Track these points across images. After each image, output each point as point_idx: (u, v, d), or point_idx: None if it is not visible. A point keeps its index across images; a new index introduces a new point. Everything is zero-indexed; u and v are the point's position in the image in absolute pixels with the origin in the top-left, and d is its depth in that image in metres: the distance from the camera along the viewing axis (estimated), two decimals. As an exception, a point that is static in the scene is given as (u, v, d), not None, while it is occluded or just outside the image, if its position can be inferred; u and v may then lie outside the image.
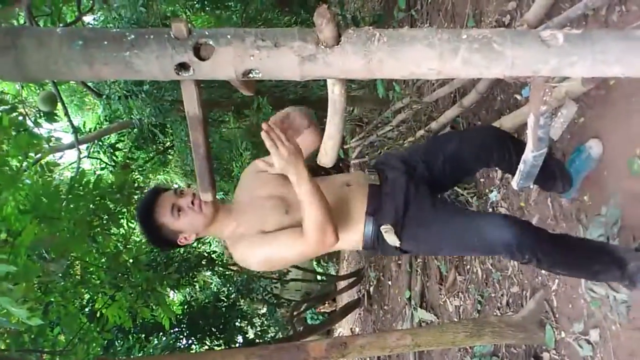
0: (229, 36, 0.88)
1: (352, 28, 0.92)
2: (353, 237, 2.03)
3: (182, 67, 0.88)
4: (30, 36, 0.84)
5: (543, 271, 2.73)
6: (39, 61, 0.84)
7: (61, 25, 4.57)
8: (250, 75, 0.90)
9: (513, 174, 1.65)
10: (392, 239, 1.95)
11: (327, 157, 1.52)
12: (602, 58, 1.06)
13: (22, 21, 4.54)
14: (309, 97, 5.04)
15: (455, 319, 4.00)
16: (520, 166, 1.42)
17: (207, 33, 0.88)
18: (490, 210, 3.49)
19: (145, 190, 2.11)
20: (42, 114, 4.44)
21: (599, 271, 1.98)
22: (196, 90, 0.98)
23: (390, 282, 6.32)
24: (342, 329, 10.21)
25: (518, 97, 3.12)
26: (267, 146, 1.67)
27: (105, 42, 0.85)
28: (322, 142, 1.47)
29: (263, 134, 1.67)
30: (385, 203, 2.00)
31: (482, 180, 3.67)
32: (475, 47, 1.01)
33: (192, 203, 1.92)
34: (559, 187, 2.37)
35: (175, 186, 2.07)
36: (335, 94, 1.10)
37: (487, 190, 3.57)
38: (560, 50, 1.05)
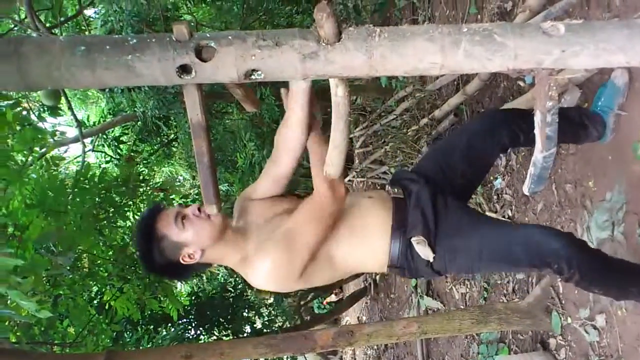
0: (230, 37, 0.89)
1: (353, 26, 0.92)
2: (377, 255, 1.86)
3: (184, 70, 0.88)
4: (33, 43, 0.85)
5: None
6: (41, 68, 0.84)
7: (62, 19, 4.56)
8: (253, 76, 0.90)
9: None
10: (424, 252, 1.78)
11: (333, 168, 1.45)
12: (604, 47, 1.06)
13: (22, 16, 4.54)
14: (312, 87, 5.02)
15: (462, 306, 4.01)
16: (531, 169, 1.32)
17: (208, 35, 0.88)
18: (496, 197, 3.49)
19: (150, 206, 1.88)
20: (45, 108, 4.45)
21: (633, 292, 1.87)
22: (199, 96, 0.97)
23: (397, 271, 6.33)
24: (349, 317, 10.27)
25: (521, 83, 3.10)
26: None
27: (107, 47, 0.86)
28: (328, 152, 1.40)
29: None
30: (413, 215, 1.83)
31: (486, 167, 3.66)
32: (476, 40, 1.01)
33: (199, 210, 1.72)
34: (592, 133, 2.18)
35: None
36: (338, 96, 1.08)
37: (491, 178, 3.57)
38: (562, 41, 1.05)
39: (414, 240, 1.78)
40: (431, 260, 1.80)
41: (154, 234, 1.72)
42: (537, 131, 1.19)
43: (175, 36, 0.87)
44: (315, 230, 1.71)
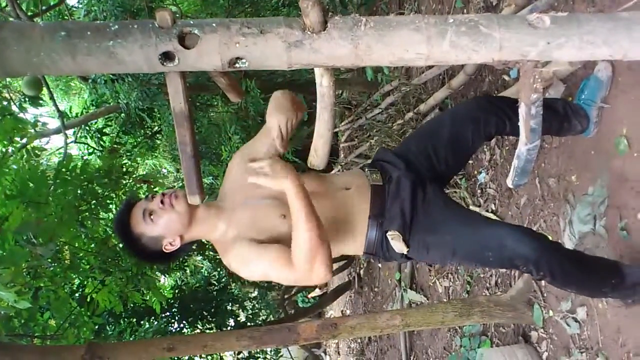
0: (214, 24, 0.87)
1: (339, 15, 0.91)
2: (353, 243, 1.87)
3: (167, 57, 0.86)
4: (12, 28, 0.83)
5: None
6: (20, 54, 0.82)
7: (44, 7, 4.49)
8: (237, 65, 0.89)
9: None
10: (399, 246, 1.81)
11: (317, 159, 1.45)
12: (589, 39, 1.07)
13: (3, 4, 4.46)
14: (297, 80, 5.01)
15: (445, 300, 4.03)
16: (515, 162, 1.33)
17: (191, 22, 0.87)
18: (479, 191, 3.51)
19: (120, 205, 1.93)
20: (27, 99, 4.38)
21: (606, 292, 1.92)
22: (182, 84, 0.95)
23: (380, 265, 6.36)
24: (333, 311, 10.30)
25: (506, 77, 3.12)
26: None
27: (89, 33, 0.84)
28: (313, 142, 1.40)
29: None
30: (391, 206, 1.84)
31: (470, 161, 3.68)
32: (462, 30, 1.01)
33: (162, 202, 1.74)
34: (576, 126, 2.18)
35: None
36: (323, 87, 1.07)
37: (475, 172, 3.59)
38: (548, 33, 1.05)
39: (389, 235, 1.81)
40: (405, 253, 1.84)
41: (131, 234, 1.77)
42: (521, 124, 1.20)
43: (158, 22, 0.85)
44: (282, 282, 1.77)
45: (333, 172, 6.37)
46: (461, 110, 2.09)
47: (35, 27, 0.84)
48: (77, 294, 4.42)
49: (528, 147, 1.23)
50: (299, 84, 5.05)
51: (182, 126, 1.00)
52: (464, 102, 2.23)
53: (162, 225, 1.74)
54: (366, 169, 1.97)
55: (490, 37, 1.01)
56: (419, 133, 2.20)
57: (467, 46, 1.00)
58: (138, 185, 4.40)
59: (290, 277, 1.69)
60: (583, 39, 1.05)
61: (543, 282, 2.67)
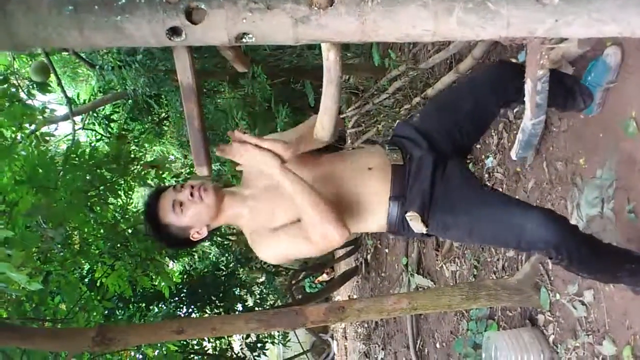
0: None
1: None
2: (376, 222, 1.90)
3: (174, 32, 0.87)
4: (19, 2, 0.83)
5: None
6: (28, 27, 0.83)
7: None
8: (244, 40, 0.89)
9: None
10: (418, 227, 1.84)
11: (324, 131, 1.46)
12: (598, 17, 1.06)
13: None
14: (304, 67, 4.99)
15: (452, 284, 4.04)
16: (519, 136, 1.34)
17: (199, -2, 0.87)
18: (487, 175, 3.50)
19: (147, 194, 2.00)
20: (34, 85, 4.39)
21: (620, 277, 1.91)
22: (189, 58, 0.96)
23: (387, 250, 6.38)
24: (340, 296, 10.35)
25: (514, 61, 3.10)
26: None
27: (96, 7, 0.84)
28: (318, 115, 1.41)
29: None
30: (412, 187, 1.85)
31: (478, 146, 3.67)
32: (469, 7, 1.00)
33: (192, 195, 1.80)
34: (579, 103, 2.19)
35: (174, 183, 1.97)
36: (330, 61, 1.08)
37: (483, 156, 3.58)
38: (556, 10, 1.04)
39: (408, 215, 1.82)
40: (424, 232, 1.86)
41: (159, 222, 1.83)
42: (527, 99, 1.19)
43: (165, -2, 0.86)
44: (308, 255, 1.83)
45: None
46: (482, 80, 2.04)
47: (42, 0, 0.85)
48: (87, 279, 4.47)
49: (533, 121, 1.23)
50: (306, 70, 5.03)
51: (189, 100, 1.02)
52: (483, 71, 2.19)
53: (190, 217, 1.81)
54: (386, 147, 1.95)
55: (498, 14, 1.01)
56: (440, 106, 2.15)
57: (474, 23, 1.00)
58: (146, 171, 4.42)
59: (312, 250, 1.76)
60: (592, 16, 1.04)
61: (550, 266, 2.67)
